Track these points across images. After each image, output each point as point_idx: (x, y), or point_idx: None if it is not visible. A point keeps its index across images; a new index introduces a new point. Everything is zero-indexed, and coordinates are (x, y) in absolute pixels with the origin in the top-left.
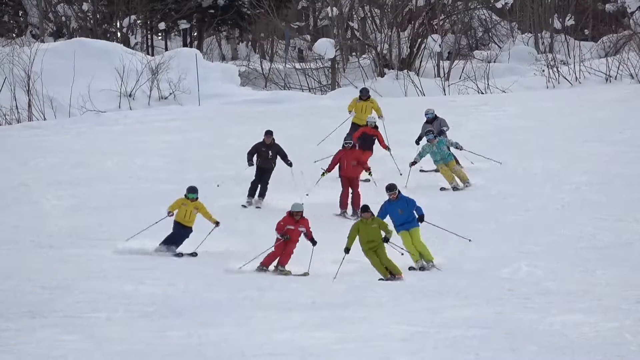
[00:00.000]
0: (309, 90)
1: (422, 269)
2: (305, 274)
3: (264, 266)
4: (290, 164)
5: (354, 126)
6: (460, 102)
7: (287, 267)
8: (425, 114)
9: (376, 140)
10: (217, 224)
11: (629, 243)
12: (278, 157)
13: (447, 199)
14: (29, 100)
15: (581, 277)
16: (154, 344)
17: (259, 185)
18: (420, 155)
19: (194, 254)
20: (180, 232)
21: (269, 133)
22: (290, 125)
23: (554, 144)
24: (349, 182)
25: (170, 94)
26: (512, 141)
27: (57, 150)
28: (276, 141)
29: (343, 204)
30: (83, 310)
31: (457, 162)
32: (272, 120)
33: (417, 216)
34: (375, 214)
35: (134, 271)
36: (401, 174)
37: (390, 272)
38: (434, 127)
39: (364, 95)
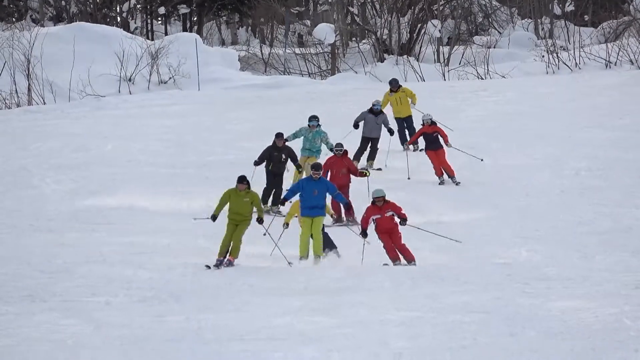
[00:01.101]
0: (309, 75)
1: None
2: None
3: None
4: (299, 167)
5: (399, 122)
6: (459, 88)
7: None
8: (373, 105)
9: (439, 137)
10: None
11: (629, 228)
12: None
13: (446, 186)
14: (29, 84)
15: (580, 262)
16: (153, 329)
17: (274, 190)
18: (295, 135)
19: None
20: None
21: (280, 136)
22: (289, 109)
23: (553, 130)
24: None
25: (170, 78)
26: (512, 127)
27: (56, 134)
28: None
29: (335, 211)
30: (82, 295)
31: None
32: (272, 105)
33: (326, 203)
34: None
35: (134, 255)
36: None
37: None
38: (377, 120)
39: (394, 86)
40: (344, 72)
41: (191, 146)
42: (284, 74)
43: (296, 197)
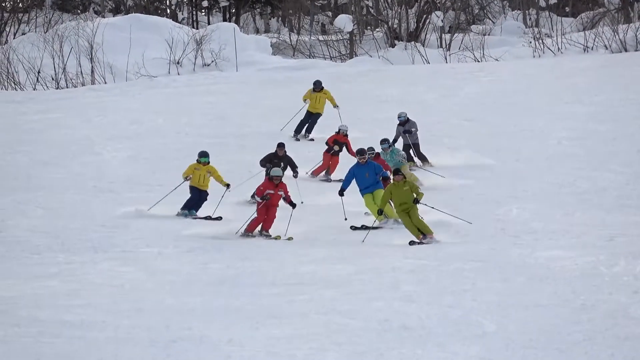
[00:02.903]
0: (331, 59)
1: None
2: (277, 238)
3: (248, 232)
4: (296, 175)
5: (308, 114)
6: (459, 69)
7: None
8: (398, 117)
9: (344, 148)
10: (227, 186)
11: (604, 189)
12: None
13: (444, 155)
14: (92, 66)
15: (562, 218)
16: (198, 275)
17: None
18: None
19: (218, 218)
20: (198, 196)
21: (281, 145)
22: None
23: (539, 105)
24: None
25: (212, 61)
26: (504, 102)
27: (115, 109)
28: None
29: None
30: (138, 246)
31: (423, 159)
32: (299, 84)
33: (380, 179)
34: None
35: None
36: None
37: (421, 232)
38: (405, 128)
39: (317, 87)
40: (361, 55)
41: (230, 120)
42: (310, 58)
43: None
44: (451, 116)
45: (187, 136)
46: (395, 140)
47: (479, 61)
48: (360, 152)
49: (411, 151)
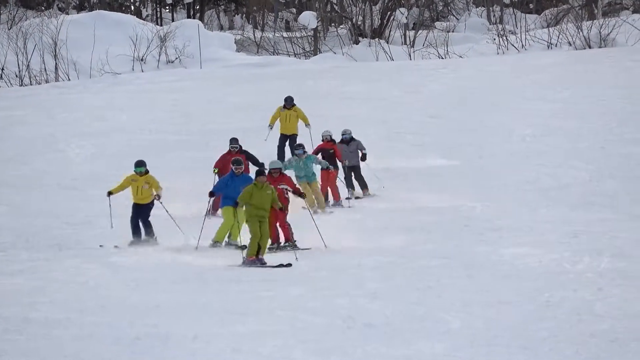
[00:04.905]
0: (295, 56)
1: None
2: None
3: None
4: (262, 167)
5: (283, 137)
6: (423, 66)
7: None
8: (342, 134)
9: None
10: (157, 197)
11: (567, 186)
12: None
13: (407, 153)
14: (56, 63)
15: (527, 215)
16: (163, 271)
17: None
18: (285, 167)
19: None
20: (139, 216)
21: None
22: (278, 84)
23: (503, 101)
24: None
25: (176, 58)
26: (468, 99)
27: (79, 106)
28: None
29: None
30: (102, 243)
31: (363, 186)
32: (264, 81)
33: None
34: None
35: None
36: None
37: (258, 252)
38: (350, 148)
39: (288, 103)
40: (325, 52)
41: (195, 117)
42: (274, 55)
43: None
44: (415, 113)
45: (151, 133)
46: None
47: (443, 58)
48: (237, 162)
49: (353, 177)
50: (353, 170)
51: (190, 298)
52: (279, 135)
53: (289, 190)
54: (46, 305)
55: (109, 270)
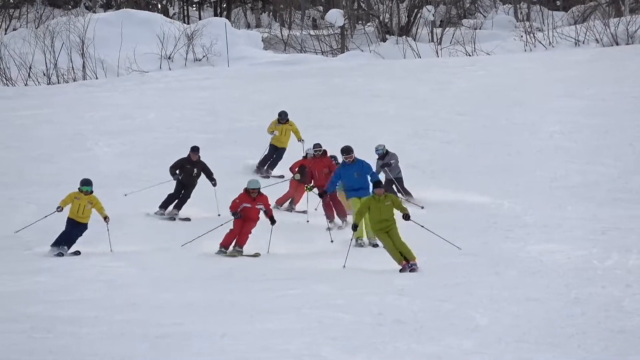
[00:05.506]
0: (322, 54)
1: (375, 245)
2: (257, 255)
3: (223, 247)
4: (214, 184)
5: (273, 148)
6: (450, 63)
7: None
8: (376, 150)
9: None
10: (106, 218)
11: (595, 183)
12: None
13: (435, 149)
14: (83, 62)
15: (554, 212)
16: (191, 270)
17: (177, 199)
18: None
19: (76, 253)
20: (73, 230)
21: (195, 150)
22: (306, 82)
23: (531, 99)
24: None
25: (204, 56)
26: (495, 96)
27: (107, 104)
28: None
29: (329, 215)
30: (130, 241)
31: (407, 194)
32: (290, 79)
33: (370, 183)
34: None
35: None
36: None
37: (404, 258)
38: (385, 161)
39: (283, 119)
40: (352, 50)
41: (222, 115)
42: (301, 53)
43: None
44: (443, 110)
45: (178, 131)
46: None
47: (470, 55)
48: (346, 151)
49: (394, 186)
50: (397, 182)
51: (218, 296)
52: (269, 146)
53: (264, 211)
54: (74, 303)
55: (136, 269)
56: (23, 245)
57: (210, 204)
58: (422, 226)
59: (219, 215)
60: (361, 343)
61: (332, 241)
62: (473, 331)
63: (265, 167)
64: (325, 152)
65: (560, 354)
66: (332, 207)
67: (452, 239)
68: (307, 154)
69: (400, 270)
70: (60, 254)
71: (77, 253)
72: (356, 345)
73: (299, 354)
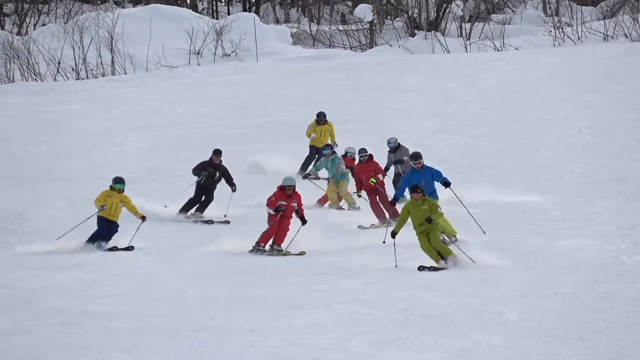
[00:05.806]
0: (351, 49)
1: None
2: (302, 253)
3: (259, 245)
4: (234, 189)
5: (313, 149)
6: (479, 59)
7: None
8: (388, 144)
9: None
10: (143, 218)
11: (624, 178)
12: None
13: (464, 144)
14: (112, 57)
15: (583, 207)
16: (219, 265)
17: (199, 203)
18: (317, 168)
19: (130, 248)
20: (106, 228)
21: (217, 152)
22: (334, 77)
23: (559, 94)
24: (374, 193)
25: (233, 51)
26: (524, 91)
27: (136, 100)
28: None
29: (379, 215)
30: (158, 237)
31: None
32: (319, 74)
33: (440, 185)
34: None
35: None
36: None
37: (441, 256)
38: (396, 156)
39: (321, 120)
40: (381, 45)
41: (251, 110)
42: (330, 48)
43: None
44: (471, 105)
45: (207, 126)
46: (387, 169)
47: (499, 50)
48: (415, 157)
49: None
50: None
51: (247, 291)
52: (309, 147)
53: (295, 210)
54: (104, 298)
55: (165, 264)
56: (53, 240)
57: (220, 205)
58: (460, 200)
59: (225, 216)
60: (389, 338)
61: (384, 242)
62: (502, 326)
63: (310, 168)
64: (371, 156)
65: (589, 349)
66: (380, 206)
67: (480, 234)
68: (347, 152)
69: (420, 268)
70: (97, 247)
71: (115, 249)
72: (384, 340)
73: (328, 349)
